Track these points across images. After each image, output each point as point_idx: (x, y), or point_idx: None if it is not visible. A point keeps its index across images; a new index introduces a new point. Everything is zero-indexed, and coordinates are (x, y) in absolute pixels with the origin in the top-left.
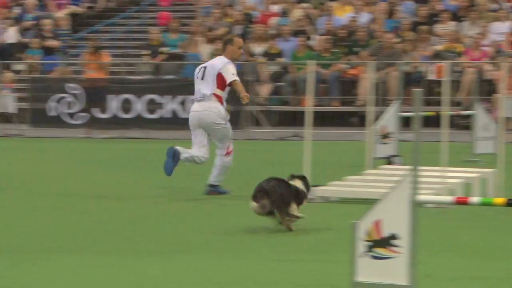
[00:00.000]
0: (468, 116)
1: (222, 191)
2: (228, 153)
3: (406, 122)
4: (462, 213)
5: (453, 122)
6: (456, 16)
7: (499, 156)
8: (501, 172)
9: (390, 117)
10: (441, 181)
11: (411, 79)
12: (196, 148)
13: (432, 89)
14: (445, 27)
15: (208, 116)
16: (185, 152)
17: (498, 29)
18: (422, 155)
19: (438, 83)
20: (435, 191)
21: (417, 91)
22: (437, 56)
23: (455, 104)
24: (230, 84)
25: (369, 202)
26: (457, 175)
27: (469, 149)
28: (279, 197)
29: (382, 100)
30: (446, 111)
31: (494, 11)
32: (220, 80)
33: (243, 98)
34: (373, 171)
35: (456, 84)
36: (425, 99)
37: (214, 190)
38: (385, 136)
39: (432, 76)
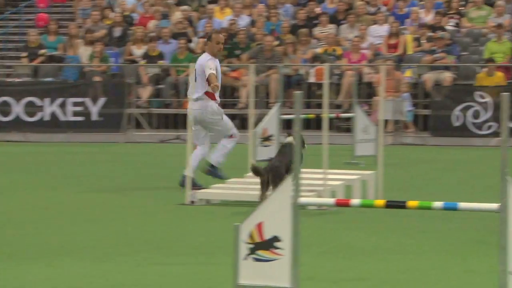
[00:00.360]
0: (348, 119)
1: (220, 175)
2: (231, 137)
3: (287, 125)
4: (343, 214)
5: (334, 124)
6: (335, 19)
7: (379, 158)
8: (381, 174)
9: (271, 119)
10: (322, 183)
11: (292, 82)
12: (200, 145)
13: (312, 92)
14: (324, 30)
15: (201, 114)
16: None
17: (376, 32)
18: (307, 158)
19: (318, 85)
20: (316, 193)
21: (298, 94)
22: (317, 59)
23: (335, 106)
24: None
25: (251, 205)
26: (338, 177)
27: (350, 152)
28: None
29: (263, 103)
30: (326, 114)
31: (372, 14)
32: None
33: (212, 88)
34: None
35: (336, 87)
36: (305, 102)
37: (212, 171)
38: (266, 138)
39: (312, 79)
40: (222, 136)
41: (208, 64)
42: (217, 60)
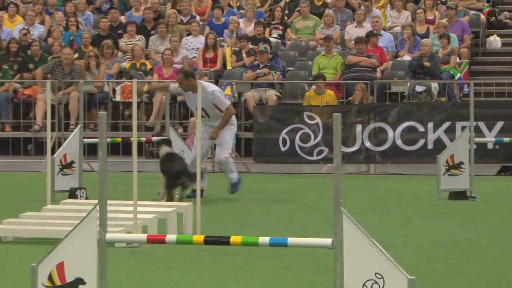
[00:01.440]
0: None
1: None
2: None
3: (91, 150)
4: (157, 252)
5: (144, 149)
6: (144, 29)
7: (197, 187)
8: (199, 206)
9: (71, 144)
10: (132, 216)
11: (95, 101)
12: None
13: (119, 112)
14: (131, 41)
15: None
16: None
17: (191, 44)
18: (110, 187)
19: (125, 105)
20: (125, 228)
21: (102, 114)
22: (123, 74)
23: (146, 129)
24: None
25: (50, 242)
26: (150, 209)
27: None
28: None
29: (62, 125)
30: (135, 137)
31: (185, 24)
32: None
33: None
34: (53, 207)
35: (146, 106)
36: (111, 124)
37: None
38: (66, 166)
39: (118, 97)
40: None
41: None
42: None
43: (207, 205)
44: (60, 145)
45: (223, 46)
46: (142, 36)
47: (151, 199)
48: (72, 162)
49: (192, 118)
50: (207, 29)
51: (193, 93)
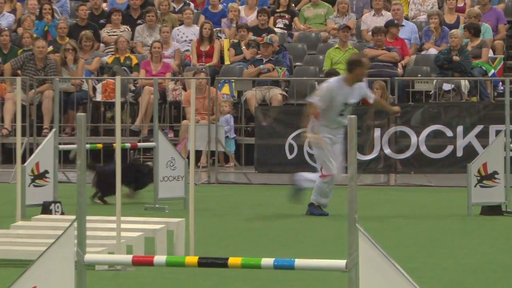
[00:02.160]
0: (148, 149)
1: (319, 212)
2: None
3: (67, 158)
4: (144, 276)
5: (130, 157)
6: (129, 19)
7: (190, 201)
8: (192, 222)
9: (45, 151)
10: (115, 235)
11: (72, 101)
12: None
13: (100, 114)
14: (115, 32)
15: None
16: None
17: (184, 36)
18: (90, 201)
19: (107, 105)
20: (107, 248)
21: (81, 117)
22: (105, 70)
23: (131, 133)
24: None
25: (20, 264)
26: (136, 226)
27: (151, 193)
28: None
29: (35, 129)
30: (119, 143)
31: (177, 12)
32: None
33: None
34: (24, 223)
35: (131, 107)
36: (91, 127)
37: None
38: (39, 176)
39: (99, 97)
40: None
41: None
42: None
43: (202, 221)
44: (31, 152)
45: (221, 38)
46: (128, 27)
47: (137, 215)
48: (46, 171)
49: (184, 121)
50: (202, 18)
51: (347, 86)
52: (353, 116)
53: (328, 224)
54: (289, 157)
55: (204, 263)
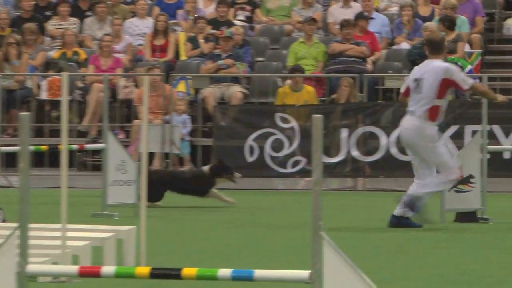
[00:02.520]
0: (96, 151)
1: (412, 223)
2: (451, 180)
3: (9, 160)
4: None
5: (76, 159)
6: (78, 10)
7: (142, 207)
8: (144, 230)
9: None
10: (60, 244)
11: (14, 99)
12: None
13: (45, 113)
14: (62, 25)
15: (411, 136)
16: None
17: (136, 29)
18: (33, 207)
19: (53, 104)
20: (51, 258)
21: (24, 116)
22: (51, 66)
23: (79, 134)
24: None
25: None
26: (83, 235)
27: (99, 198)
28: None
29: None
30: (65, 144)
31: (129, 3)
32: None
33: (499, 101)
34: None
35: (79, 106)
36: (35, 128)
37: (399, 221)
38: None
39: (44, 95)
40: (438, 167)
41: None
42: None
43: (155, 229)
44: None
45: (176, 31)
46: (76, 19)
47: (84, 222)
48: None
49: (136, 121)
50: (157, 9)
51: None
52: (319, 115)
53: (292, 232)
54: (249, 159)
55: (156, 274)
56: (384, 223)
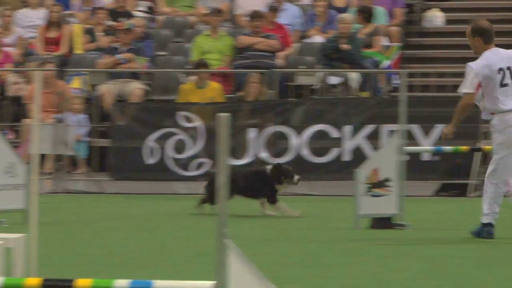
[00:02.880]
0: None
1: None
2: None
3: None
4: None
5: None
6: None
7: (32, 214)
8: (35, 238)
9: None
10: None
11: None
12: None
13: None
14: None
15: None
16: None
17: (28, 21)
18: None
19: None
20: None
21: None
22: None
23: None
24: None
25: None
26: None
27: None
28: None
29: None
30: None
31: None
32: None
33: (446, 132)
34: None
35: None
36: None
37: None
38: None
39: None
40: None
41: None
42: None
43: (46, 237)
44: None
45: (71, 23)
46: None
47: None
48: None
49: (26, 120)
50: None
51: None
52: (225, 114)
53: (195, 240)
54: (149, 162)
55: (48, 285)
56: (292, 230)
